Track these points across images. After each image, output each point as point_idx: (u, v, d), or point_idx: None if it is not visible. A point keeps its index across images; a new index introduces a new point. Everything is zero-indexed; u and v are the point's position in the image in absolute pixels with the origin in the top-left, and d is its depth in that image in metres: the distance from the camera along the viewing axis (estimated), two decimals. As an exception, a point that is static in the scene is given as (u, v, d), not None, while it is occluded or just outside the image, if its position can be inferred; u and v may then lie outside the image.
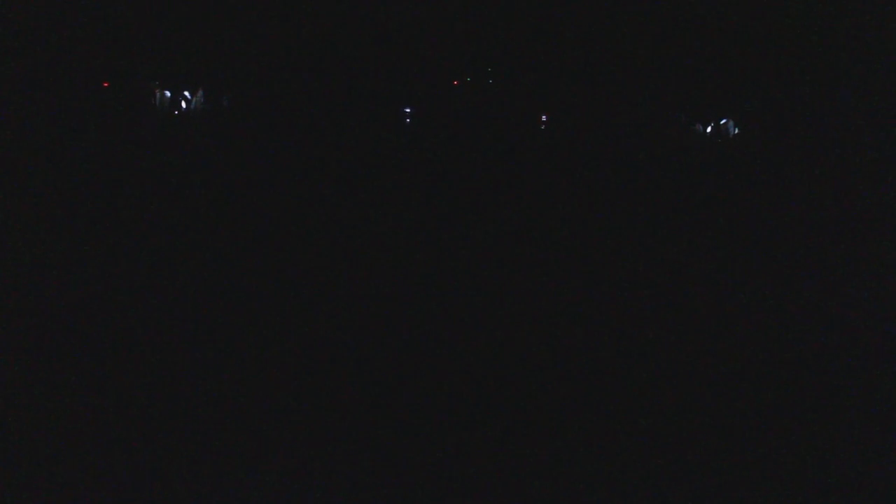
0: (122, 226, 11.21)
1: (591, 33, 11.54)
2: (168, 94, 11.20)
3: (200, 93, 11.26)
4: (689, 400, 12.09)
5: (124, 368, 11.26)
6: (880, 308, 11.75)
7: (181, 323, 11.47)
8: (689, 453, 11.67)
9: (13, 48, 10.51)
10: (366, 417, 12.02)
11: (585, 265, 12.21)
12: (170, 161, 11.36)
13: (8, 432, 10.49)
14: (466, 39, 11.54)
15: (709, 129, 12.18)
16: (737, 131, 12.15)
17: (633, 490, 11.07)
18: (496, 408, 12.27)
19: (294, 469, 11.30)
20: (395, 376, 12.22)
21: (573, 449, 11.86)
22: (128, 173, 11.21)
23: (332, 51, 11.35)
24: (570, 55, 11.70)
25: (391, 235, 12.07)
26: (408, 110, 11.85)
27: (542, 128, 12.06)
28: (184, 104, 11.28)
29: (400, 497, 11.21)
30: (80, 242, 11.04)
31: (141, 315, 11.33)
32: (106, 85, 11.03)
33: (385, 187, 11.93)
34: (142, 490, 10.51)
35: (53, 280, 10.97)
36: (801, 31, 11.57)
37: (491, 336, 12.39)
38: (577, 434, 11.96)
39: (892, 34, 11.48)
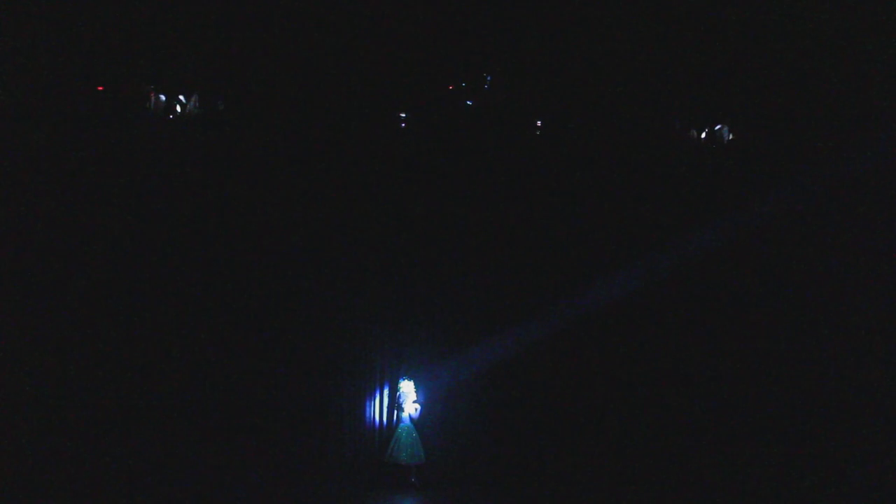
0: (117, 228, 11.17)
1: (586, 39, 11.50)
2: (163, 97, 11.13)
3: (195, 97, 11.19)
4: (691, 401, 12.16)
5: (120, 368, 11.28)
6: (880, 309, 11.79)
7: (176, 324, 11.47)
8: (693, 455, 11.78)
9: (9, 52, 10.44)
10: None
11: (582, 268, 12.21)
12: (164, 164, 11.30)
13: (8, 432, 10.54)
14: (462, 44, 11.50)
15: (703, 135, 12.17)
16: (731, 137, 12.14)
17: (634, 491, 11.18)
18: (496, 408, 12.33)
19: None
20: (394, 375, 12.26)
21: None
22: (122, 177, 11.15)
23: (328, 55, 11.29)
24: (566, 61, 11.66)
25: (388, 237, 12.06)
26: (403, 115, 11.81)
27: (538, 133, 12.03)
28: (178, 108, 11.21)
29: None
30: (74, 244, 11.01)
31: (136, 316, 11.32)
32: (101, 89, 10.97)
33: (381, 190, 11.89)
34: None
35: (50, 281, 10.95)
36: (797, 37, 11.56)
37: (488, 338, 12.43)
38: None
39: (889, 37, 11.46)
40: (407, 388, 11.63)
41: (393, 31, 11.12)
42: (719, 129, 12.06)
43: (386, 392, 11.94)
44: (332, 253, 11.79)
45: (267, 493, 10.87)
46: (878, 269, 11.87)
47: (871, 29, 11.43)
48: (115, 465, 10.70)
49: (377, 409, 11.92)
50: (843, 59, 11.65)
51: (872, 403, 11.55)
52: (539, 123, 11.95)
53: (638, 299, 12.07)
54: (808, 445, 11.51)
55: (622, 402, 12.01)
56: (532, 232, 12.10)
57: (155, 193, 11.26)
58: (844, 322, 11.87)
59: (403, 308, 12.03)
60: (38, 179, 10.81)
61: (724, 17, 11.36)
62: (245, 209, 11.54)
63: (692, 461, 11.69)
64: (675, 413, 11.94)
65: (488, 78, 11.69)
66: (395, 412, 11.69)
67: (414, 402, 11.61)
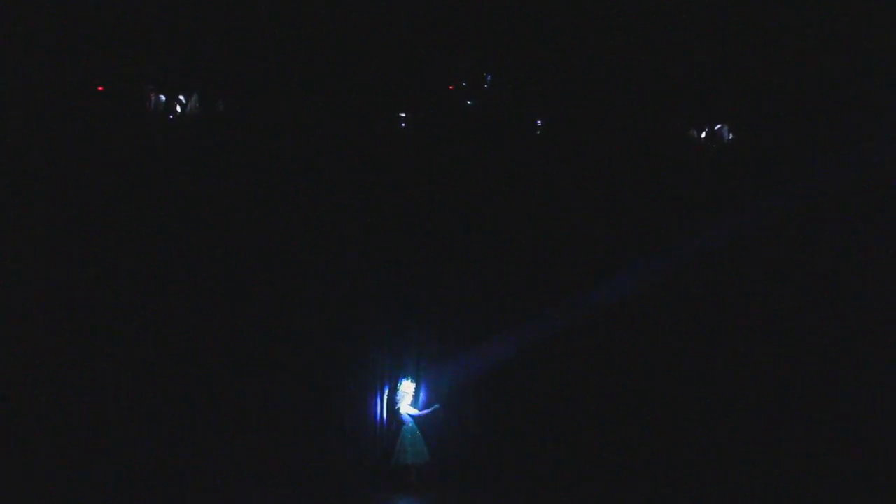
0: (117, 228, 11.17)
1: (587, 39, 11.51)
2: (163, 98, 11.12)
3: (195, 97, 11.19)
4: (696, 401, 12.17)
5: (118, 368, 11.26)
6: (880, 309, 11.80)
7: (177, 324, 11.45)
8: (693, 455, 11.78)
9: (9, 52, 10.43)
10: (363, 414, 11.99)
11: (585, 267, 12.21)
12: (164, 164, 11.30)
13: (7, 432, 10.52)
14: (463, 44, 11.50)
15: (703, 135, 12.18)
16: (731, 136, 12.16)
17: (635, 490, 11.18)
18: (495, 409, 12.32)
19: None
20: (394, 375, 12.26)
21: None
22: (123, 177, 11.15)
23: (328, 55, 11.30)
24: (566, 61, 11.67)
25: (389, 236, 12.05)
26: (403, 115, 11.82)
27: (538, 133, 12.04)
28: (178, 108, 11.21)
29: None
30: (74, 244, 11.00)
31: (137, 316, 11.30)
32: (101, 89, 10.97)
33: (381, 189, 11.89)
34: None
35: (50, 281, 10.94)
36: (796, 36, 11.57)
37: (491, 337, 12.43)
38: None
39: (888, 37, 11.48)
40: (406, 388, 11.62)
41: (393, 31, 11.13)
42: (719, 128, 12.09)
43: (387, 392, 11.91)
44: (333, 252, 11.79)
45: (267, 493, 10.87)
46: (878, 268, 11.91)
47: (872, 28, 11.47)
48: (114, 464, 10.71)
49: (378, 408, 11.90)
50: (843, 58, 11.68)
51: (872, 403, 11.59)
52: (539, 123, 11.99)
53: (641, 299, 12.08)
54: (807, 445, 11.56)
55: (626, 401, 12.02)
56: (534, 231, 12.11)
57: (155, 194, 11.26)
58: (845, 321, 11.89)
59: (406, 307, 12.03)
60: (38, 180, 10.81)
61: (724, 16, 11.38)
62: (246, 209, 11.53)
63: (696, 461, 11.69)
64: (680, 413, 11.95)
65: (488, 77, 11.70)
66: (394, 412, 11.67)
67: (411, 403, 11.61)
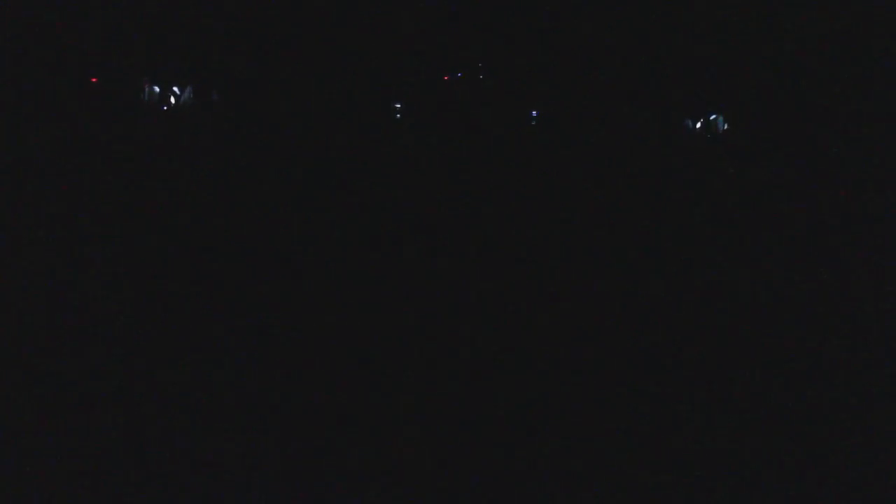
0: (111, 222, 11.13)
1: (581, 29, 11.56)
2: (157, 88, 11.12)
3: (189, 88, 11.18)
4: (689, 400, 12.13)
5: (115, 366, 11.17)
6: (878, 307, 11.82)
7: (173, 321, 11.38)
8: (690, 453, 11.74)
9: (1, 45, 10.41)
10: (363, 418, 11.98)
11: (578, 262, 12.23)
12: (158, 157, 11.29)
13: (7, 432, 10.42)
14: (457, 33, 11.54)
15: (698, 125, 12.23)
16: (726, 127, 12.21)
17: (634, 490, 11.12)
18: (494, 411, 12.27)
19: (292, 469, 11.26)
20: (392, 377, 12.19)
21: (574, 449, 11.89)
22: (116, 169, 11.13)
23: (322, 45, 11.31)
24: (561, 51, 11.72)
25: (383, 232, 12.04)
26: (398, 105, 11.83)
27: (533, 123, 12.08)
28: (172, 99, 11.20)
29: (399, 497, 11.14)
30: (67, 238, 10.94)
31: (131, 310, 11.23)
32: (94, 80, 10.95)
33: (376, 183, 11.90)
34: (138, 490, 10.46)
35: (44, 274, 10.87)
36: (792, 26, 11.64)
37: (487, 336, 12.38)
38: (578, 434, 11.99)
39: (887, 28, 11.57)
40: (406, 379, 11.58)
41: (388, 21, 11.17)
42: (714, 118, 12.15)
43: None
44: (329, 245, 11.76)
45: (268, 492, 10.78)
46: (879, 264, 11.95)
47: (873, 20, 11.56)
48: (111, 463, 10.60)
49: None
50: (843, 51, 11.76)
51: (872, 403, 11.59)
52: (535, 114, 12.03)
53: (639, 293, 12.09)
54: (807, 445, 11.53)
55: (627, 398, 11.99)
56: (532, 225, 12.11)
57: (149, 185, 11.24)
58: (844, 318, 11.91)
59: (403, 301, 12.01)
60: (31, 174, 10.79)
61: (721, 6, 11.46)
62: (241, 201, 11.51)
63: (700, 459, 11.65)
64: (681, 411, 11.93)
65: (483, 68, 11.76)
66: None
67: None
